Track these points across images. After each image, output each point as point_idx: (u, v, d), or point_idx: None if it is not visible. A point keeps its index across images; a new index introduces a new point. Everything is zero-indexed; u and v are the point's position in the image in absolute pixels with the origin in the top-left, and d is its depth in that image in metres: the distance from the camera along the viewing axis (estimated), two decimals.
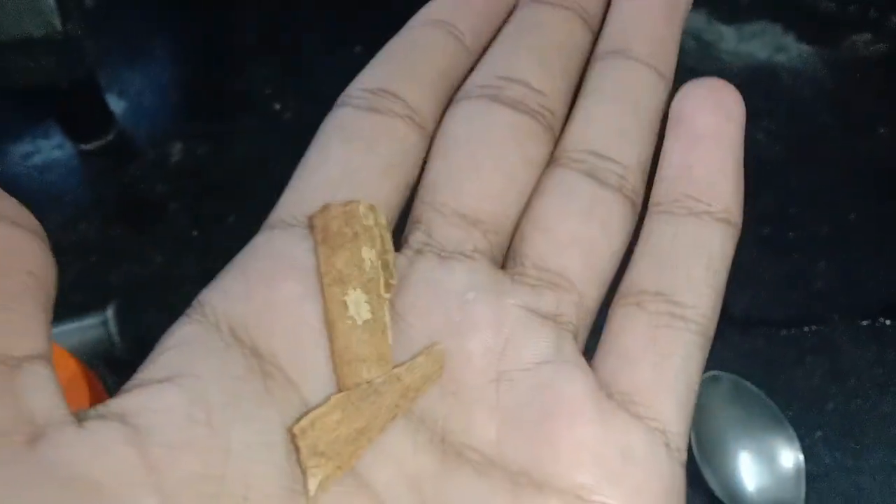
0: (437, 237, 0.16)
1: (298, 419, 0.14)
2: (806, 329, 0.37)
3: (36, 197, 0.42)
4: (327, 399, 0.14)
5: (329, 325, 0.15)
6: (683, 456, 0.15)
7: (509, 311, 0.16)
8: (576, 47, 0.19)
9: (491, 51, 0.19)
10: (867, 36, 0.47)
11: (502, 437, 0.15)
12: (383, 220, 0.16)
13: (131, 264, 0.39)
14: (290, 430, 0.14)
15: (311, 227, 0.16)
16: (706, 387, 0.33)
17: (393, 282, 0.15)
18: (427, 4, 0.19)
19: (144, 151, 0.43)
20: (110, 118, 0.43)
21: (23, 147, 0.43)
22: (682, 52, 0.49)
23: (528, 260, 0.16)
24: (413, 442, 0.14)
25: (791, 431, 0.33)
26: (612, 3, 0.19)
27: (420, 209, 0.17)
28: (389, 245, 0.16)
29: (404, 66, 0.18)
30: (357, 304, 0.15)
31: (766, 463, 0.32)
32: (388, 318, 0.15)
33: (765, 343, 0.37)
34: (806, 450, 0.33)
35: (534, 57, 0.18)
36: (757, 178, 0.42)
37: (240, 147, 0.42)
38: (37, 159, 0.43)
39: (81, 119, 0.42)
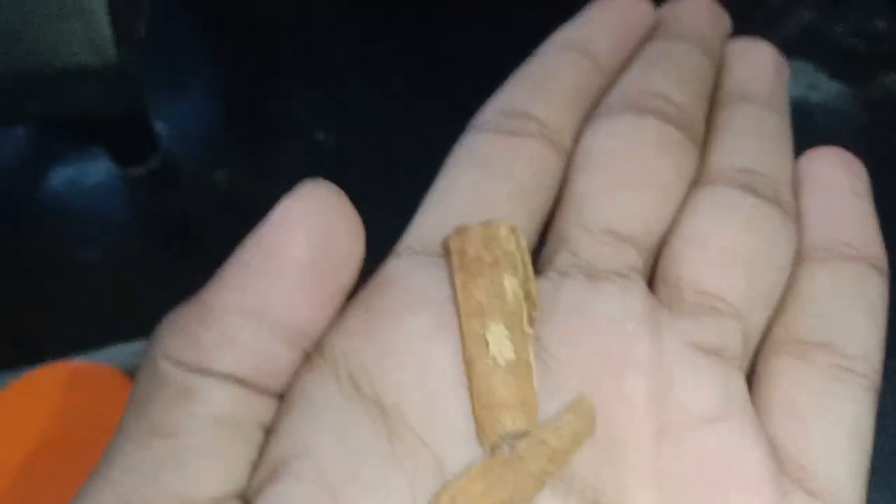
0: (586, 256, 0.15)
1: (437, 494, 0.12)
2: None
3: (82, 221, 0.43)
4: (467, 468, 0.13)
5: (467, 364, 0.13)
6: None
7: (670, 347, 0.14)
8: (706, 76, 0.18)
9: (628, 71, 0.18)
10: None
11: None
12: (524, 244, 0.14)
13: (174, 290, 0.40)
14: None
15: (445, 251, 0.14)
16: None
17: (536, 314, 0.14)
18: (560, 28, 0.19)
19: (188, 178, 0.44)
20: (156, 144, 0.44)
21: (70, 172, 0.44)
22: None
23: (683, 283, 0.14)
24: None
25: None
26: (728, 59, 0.19)
27: (564, 228, 0.15)
28: (531, 272, 0.14)
29: (538, 86, 0.17)
30: (499, 341, 0.13)
31: None
32: (532, 358, 0.13)
33: None
34: None
35: (670, 76, 0.17)
36: None
37: (283, 175, 0.43)
38: (84, 184, 0.44)
39: (127, 145, 0.43)
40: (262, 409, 0.13)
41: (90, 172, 0.44)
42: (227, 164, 0.44)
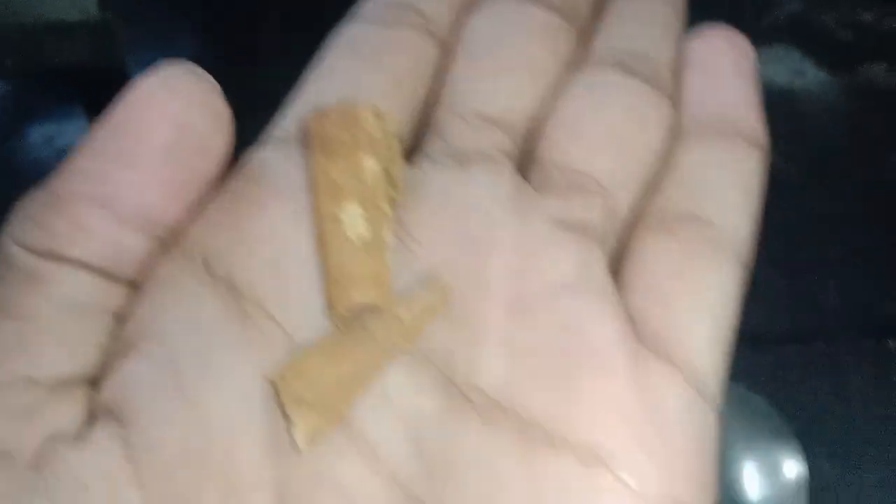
0: (457, 142, 0.14)
1: (281, 367, 0.12)
2: (813, 347, 0.37)
3: None
4: (313, 341, 0.12)
5: (320, 242, 0.13)
6: (718, 401, 0.13)
7: (532, 224, 0.14)
8: None
9: None
10: (884, 66, 0.48)
11: (514, 380, 0.13)
12: (391, 128, 0.14)
13: None
14: (271, 380, 0.12)
15: (304, 134, 0.14)
16: None
17: (398, 196, 0.13)
18: None
19: None
20: None
21: (46, 129, 0.44)
22: None
23: (554, 164, 0.14)
24: (414, 382, 0.13)
25: (796, 444, 0.33)
26: None
27: (439, 115, 0.15)
28: (397, 156, 0.14)
29: None
30: (353, 219, 0.13)
31: (768, 475, 0.32)
32: (388, 237, 0.13)
33: (773, 358, 0.37)
34: (809, 464, 0.33)
35: None
36: (771, 198, 0.43)
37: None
38: (59, 142, 0.43)
39: (107, 103, 0.43)
40: (114, 295, 0.13)
41: (67, 130, 0.44)
42: None
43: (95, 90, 0.42)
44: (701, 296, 0.14)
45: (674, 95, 0.16)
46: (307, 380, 0.12)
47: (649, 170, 0.15)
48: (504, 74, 0.15)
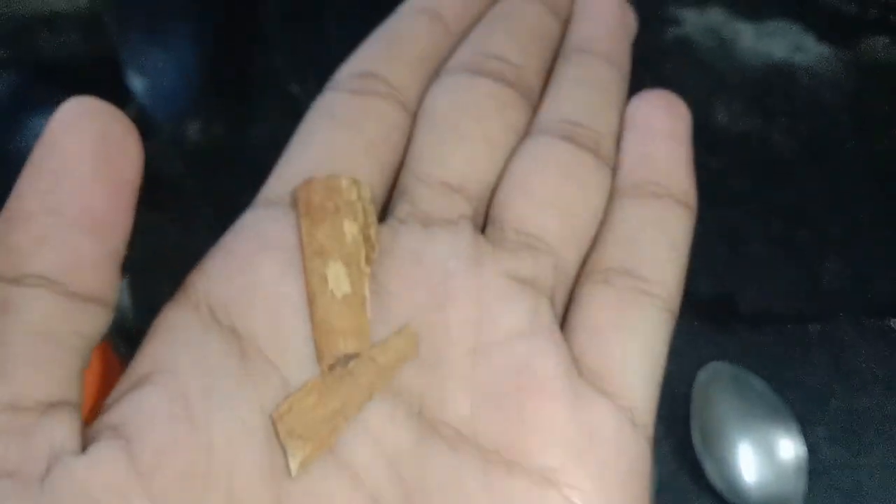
0: (422, 206, 0.16)
1: (279, 405, 0.14)
2: (813, 326, 0.37)
3: None
4: (305, 383, 0.14)
5: (309, 298, 0.15)
6: (650, 431, 0.15)
7: (488, 279, 0.16)
8: (549, 35, 0.20)
9: (472, 34, 0.20)
10: (885, 40, 0.47)
11: (476, 413, 0.15)
12: (367, 195, 0.16)
13: (146, 240, 0.39)
14: (271, 416, 0.14)
15: (293, 201, 0.16)
16: (710, 377, 0.33)
17: (374, 255, 0.16)
18: None
19: (162, 129, 0.43)
20: (129, 95, 0.43)
21: (40, 121, 0.43)
22: (700, 49, 0.49)
23: (507, 224, 0.17)
24: (391, 417, 0.15)
25: (795, 425, 0.33)
26: (575, 13, 0.21)
27: (405, 180, 0.17)
28: (373, 219, 0.16)
29: (388, 49, 0.18)
30: (337, 277, 0.15)
31: (767, 456, 0.32)
32: (367, 292, 0.15)
33: (772, 338, 0.37)
34: (808, 445, 0.33)
35: (512, 38, 0.19)
36: (771, 176, 0.43)
37: (257, 128, 0.42)
38: None
39: (100, 95, 0.43)
40: (79, 317, 0.14)
41: None
42: (200, 116, 0.43)
43: (89, 81, 0.42)
44: (633, 338, 0.16)
45: (613, 161, 0.18)
46: (300, 416, 0.14)
47: (591, 229, 0.17)
48: (463, 144, 0.17)
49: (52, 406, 0.13)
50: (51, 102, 0.46)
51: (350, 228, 0.15)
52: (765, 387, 0.34)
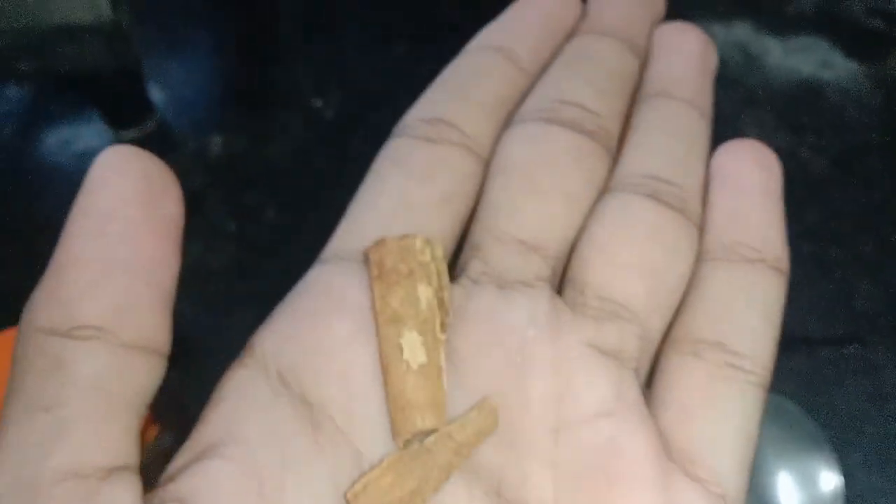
0: (496, 265, 0.16)
1: (353, 484, 0.14)
2: (847, 349, 0.36)
3: (75, 184, 0.42)
4: (381, 460, 0.14)
5: (383, 367, 0.14)
6: None
7: (570, 349, 0.15)
8: (628, 75, 0.19)
9: (546, 76, 0.18)
10: None
11: (559, 496, 0.14)
12: (440, 254, 0.15)
13: None
14: (345, 496, 0.14)
15: (366, 261, 0.15)
16: None
17: (448, 320, 0.15)
18: (485, 28, 0.19)
19: (184, 142, 0.43)
20: (150, 108, 0.43)
21: (62, 133, 0.43)
22: (728, 64, 0.48)
23: (588, 288, 0.16)
24: (468, 497, 0.14)
25: (831, 453, 0.32)
26: (653, 50, 0.19)
27: (478, 236, 0.16)
28: (446, 281, 0.15)
29: (460, 93, 0.17)
30: (412, 347, 0.14)
31: (804, 483, 0.32)
32: (443, 362, 0.15)
33: (805, 362, 0.36)
34: (845, 471, 0.32)
35: (588, 81, 0.18)
36: (800, 195, 0.42)
37: (279, 142, 0.42)
38: (76, 146, 0.43)
39: (122, 107, 0.42)
40: (134, 369, 0.13)
41: (84, 134, 0.43)
42: (222, 129, 0.43)
43: (111, 93, 0.42)
44: (725, 418, 0.15)
45: (700, 219, 0.17)
46: (376, 496, 0.14)
47: (677, 296, 0.16)
48: (539, 199, 0.16)
49: (112, 471, 0.13)
50: (72, 114, 0.45)
51: (424, 293, 0.15)
52: (800, 413, 0.33)
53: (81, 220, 0.14)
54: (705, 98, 0.19)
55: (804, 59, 0.47)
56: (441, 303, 0.15)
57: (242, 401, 0.14)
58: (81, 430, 0.12)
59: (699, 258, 0.17)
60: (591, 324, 0.15)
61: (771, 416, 0.33)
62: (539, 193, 0.16)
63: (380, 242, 0.15)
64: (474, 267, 0.16)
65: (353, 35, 0.47)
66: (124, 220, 0.13)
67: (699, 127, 0.18)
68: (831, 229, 0.40)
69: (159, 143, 0.43)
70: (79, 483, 0.12)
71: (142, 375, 0.13)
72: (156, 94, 0.44)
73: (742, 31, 0.48)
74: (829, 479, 0.32)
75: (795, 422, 0.33)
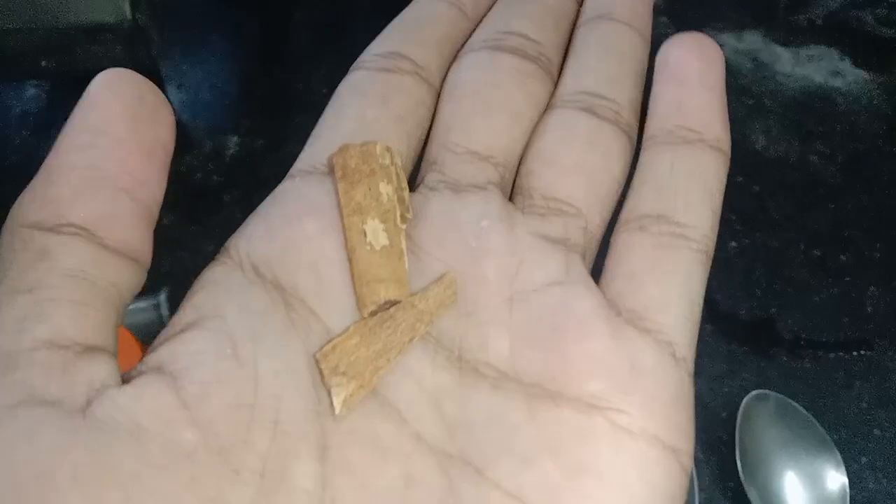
0: (451, 174, 0.17)
1: (322, 346, 0.15)
2: (854, 353, 0.37)
3: None
4: (347, 327, 0.15)
5: (349, 251, 0.16)
6: (690, 366, 0.16)
7: (521, 237, 0.16)
8: (565, 11, 0.20)
9: (489, 14, 0.20)
10: None
11: (515, 353, 0.15)
12: (398, 160, 0.17)
13: (184, 252, 0.39)
14: (314, 356, 0.14)
15: (330, 166, 0.17)
16: (754, 405, 0.33)
17: (408, 215, 0.16)
18: None
19: (201, 143, 0.43)
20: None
21: None
22: (738, 73, 0.49)
23: (535, 192, 0.17)
24: (432, 361, 0.15)
25: (837, 455, 0.32)
26: None
27: (433, 151, 0.18)
28: (404, 183, 0.17)
29: (411, 32, 0.19)
30: (375, 232, 0.16)
31: (811, 485, 0.32)
32: (404, 245, 0.16)
33: (813, 365, 0.36)
34: (851, 474, 0.32)
35: (528, 16, 0.20)
36: (810, 201, 0.42)
37: (295, 143, 0.42)
38: None
39: None
40: (114, 269, 0.14)
41: None
42: (238, 131, 0.43)
43: None
44: (670, 279, 0.16)
45: (633, 128, 0.19)
46: (344, 356, 0.15)
47: (614, 195, 0.18)
48: (488, 115, 0.18)
49: (90, 349, 0.13)
50: None
51: (385, 189, 0.16)
52: (807, 416, 0.33)
53: (73, 133, 0.14)
54: (643, 18, 0.20)
55: (814, 67, 0.47)
56: (401, 199, 0.16)
57: (218, 287, 0.15)
58: (62, 309, 0.13)
59: (644, 144, 0.18)
60: (538, 219, 0.17)
61: (780, 419, 0.33)
62: (487, 111, 0.18)
63: (342, 148, 0.16)
64: (431, 177, 0.17)
65: (366, 39, 0.47)
66: (113, 137, 0.14)
67: (636, 45, 0.20)
68: (840, 235, 0.41)
69: (176, 144, 0.43)
70: (56, 352, 0.13)
71: (122, 276, 0.14)
72: (173, 95, 0.45)
73: (753, 40, 0.48)
74: (836, 482, 0.32)
75: (803, 424, 0.33)
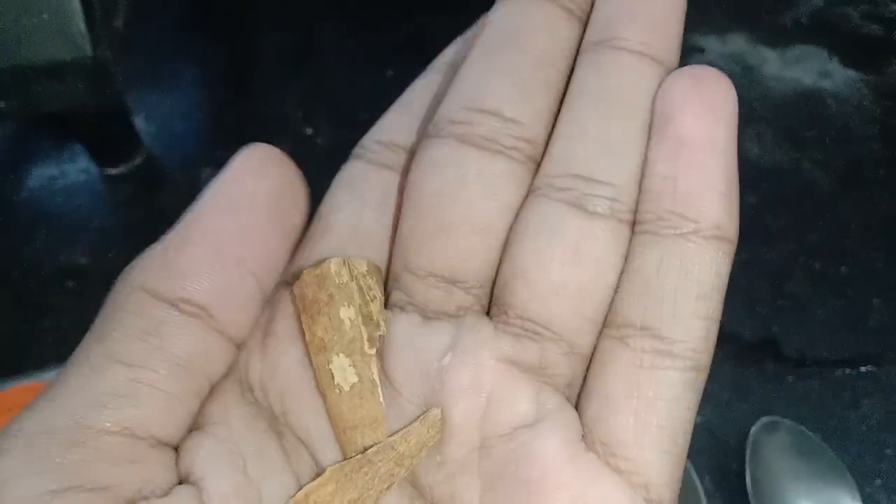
0: (418, 298, 0.16)
1: (294, 493, 0.14)
2: (861, 370, 0.36)
3: (62, 222, 0.41)
4: (322, 470, 0.15)
5: (321, 394, 0.15)
6: None
7: (488, 368, 0.15)
8: (559, 51, 0.16)
9: (462, 72, 0.16)
10: None
11: None
12: (363, 268, 0.16)
13: None
14: (287, 502, 0.14)
15: (292, 298, 0.16)
16: (764, 433, 0.32)
17: (379, 331, 0.15)
18: (445, 50, 0.18)
19: (174, 176, 0.42)
20: (138, 142, 0.42)
21: (48, 170, 0.42)
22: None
23: (510, 309, 0.15)
24: None
25: (852, 482, 0.31)
26: None
27: (396, 268, 0.16)
28: (377, 292, 0.16)
29: (417, 117, 0.17)
30: (342, 370, 0.15)
31: None
32: (375, 376, 0.15)
33: (819, 384, 0.35)
34: (865, 498, 0.31)
35: (508, 78, 0.16)
36: (807, 211, 0.41)
37: None
38: (62, 183, 0.42)
39: (108, 143, 0.41)
40: (215, 357, 0.14)
41: (70, 171, 0.42)
42: (212, 161, 0.42)
43: (97, 130, 0.40)
44: (648, 407, 0.14)
45: (633, 210, 0.15)
46: None
47: (606, 306, 0.15)
48: (448, 235, 0.16)
49: (159, 444, 0.13)
50: (57, 151, 0.44)
51: (347, 313, 0.15)
52: (819, 443, 0.32)
53: (212, 206, 0.14)
54: (664, 34, 0.16)
55: (802, 69, 0.46)
56: (368, 317, 0.15)
57: (223, 396, 0.15)
58: (155, 398, 0.13)
59: (634, 229, 0.15)
60: (511, 340, 0.15)
61: (789, 445, 0.32)
62: (446, 229, 0.15)
63: (299, 278, 0.16)
64: (397, 296, 0.16)
65: (339, 61, 0.46)
66: (253, 219, 0.14)
67: (647, 82, 0.15)
68: (840, 246, 0.39)
69: (148, 178, 0.42)
70: (130, 443, 0.13)
71: (220, 363, 0.14)
72: (143, 128, 0.43)
73: (737, 43, 0.47)
74: None
75: (814, 451, 0.32)
